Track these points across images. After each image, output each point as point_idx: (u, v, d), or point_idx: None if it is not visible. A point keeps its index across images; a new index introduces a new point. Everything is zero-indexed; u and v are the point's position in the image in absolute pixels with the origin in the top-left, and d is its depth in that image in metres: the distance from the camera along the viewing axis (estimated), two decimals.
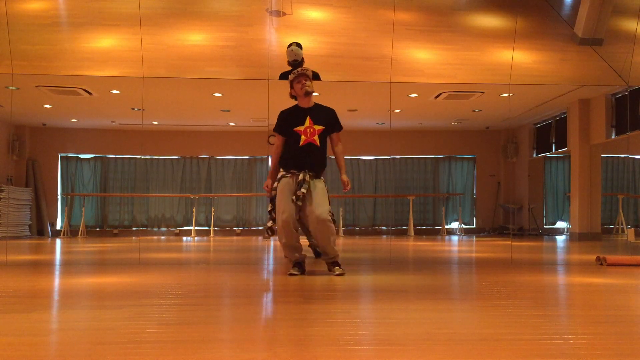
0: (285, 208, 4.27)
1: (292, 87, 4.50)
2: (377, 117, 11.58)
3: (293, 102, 4.61)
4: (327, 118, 4.49)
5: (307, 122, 4.41)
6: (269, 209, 4.54)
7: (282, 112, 4.54)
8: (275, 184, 4.44)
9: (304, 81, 4.42)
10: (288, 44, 5.90)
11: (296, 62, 5.81)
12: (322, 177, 4.47)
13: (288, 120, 4.46)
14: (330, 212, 4.38)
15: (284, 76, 6.02)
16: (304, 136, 4.38)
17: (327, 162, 4.56)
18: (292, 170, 4.37)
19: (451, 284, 4.01)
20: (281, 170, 4.47)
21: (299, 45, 5.83)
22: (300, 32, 8.01)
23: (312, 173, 4.36)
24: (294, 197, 4.25)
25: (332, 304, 3.06)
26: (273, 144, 4.63)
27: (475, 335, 2.23)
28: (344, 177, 4.48)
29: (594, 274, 4.53)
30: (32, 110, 10.56)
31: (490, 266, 5.25)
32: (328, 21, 8.53)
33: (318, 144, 4.40)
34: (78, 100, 9.45)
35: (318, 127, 4.41)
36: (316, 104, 4.53)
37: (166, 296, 3.24)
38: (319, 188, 4.34)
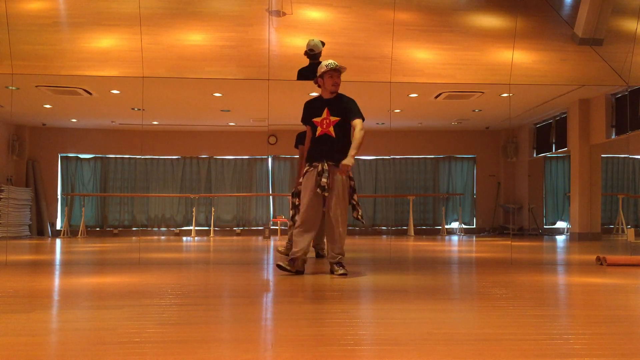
0: (309, 202, 4.33)
1: (322, 77, 4.48)
2: (377, 117, 11.57)
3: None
4: (345, 108, 4.45)
5: (324, 113, 4.45)
6: (296, 202, 4.51)
7: (306, 102, 4.61)
8: (301, 179, 4.48)
9: (337, 79, 4.45)
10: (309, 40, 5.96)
11: (312, 52, 5.83)
12: None
13: (309, 111, 4.53)
14: (355, 201, 4.41)
15: (302, 73, 6.00)
16: (320, 127, 4.43)
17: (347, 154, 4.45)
18: (314, 163, 4.40)
19: (451, 284, 4.01)
20: (307, 165, 4.49)
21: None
22: (300, 32, 8.01)
23: (331, 162, 4.36)
24: (318, 189, 4.27)
25: (332, 304, 3.06)
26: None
27: (475, 335, 2.23)
28: (345, 160, 4.25)
29: (594, 274, 4.52)
30: (32, 110, 10.55)
31: (490, 266, 5.25)
32: (328, 21, 8.53)
33: (333, 135, 4.40)
34: (78, 100, 9.45)
35: (334, 119, 4.43)
36: (338, 95, 4.52)
37: (166, 296, 3.24)
38: (338, 181, 4.35)
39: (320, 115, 4.45)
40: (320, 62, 4.61)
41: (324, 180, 4.26)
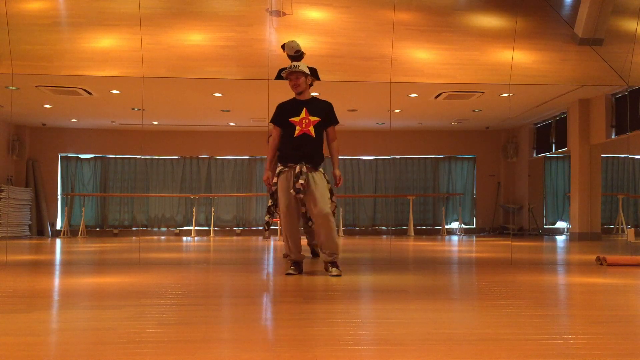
0: (286, 202, 4.31)
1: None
2: (377, 117, 11.58)
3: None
4: (324, 110, 4.51)
5: (303, 113, 4.43)
6: (269, 204, 4.54)
7: (279, 104, 4.59)
8: (275, 179, 4.45)
9: (295, 80, 4.45)
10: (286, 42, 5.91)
11: (297, 54, 5.80)
12: (321, 170, 4.46)
13: (284, 112, 4.50)
14: (333, 202, 4.42)
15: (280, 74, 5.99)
16: (299, 127, 4.40)
17: (323, 155, 4.52)
18: (289, 164, 4.37)
19: (451, 284, 4.01)
20: (279, 165, 4.47)
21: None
22: (300, 32, 8.01)
23: (309, 165, 4.36)
24: (292, 190, 4.26)
25: (332, 304, 3.06)
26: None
27: (475, 335, 2.23)
28: (337, 172, 4.51)
29: (594, 274, 4.52)
30: (32, 110, 10.55)
31: (490, 266, 5.25)
32: (328, 21, 8.53)
33: (313, 134, 4.40)
34: (78, 100, 9.45)
35: (314, 119, 4.43)
36: (313, 98, 4.57)
37: (166, 296, 3.24)
38: (319, 181, 4.34)
39: (298, 115, 4.43)
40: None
41: (300, 182, 4.23)
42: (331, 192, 4.44)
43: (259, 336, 2.25)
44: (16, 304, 3.02)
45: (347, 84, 7.95)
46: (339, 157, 4.70)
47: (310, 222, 4.52)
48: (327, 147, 4.57)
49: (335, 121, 4.56)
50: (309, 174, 4.33)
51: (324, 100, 4.59)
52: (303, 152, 4.37)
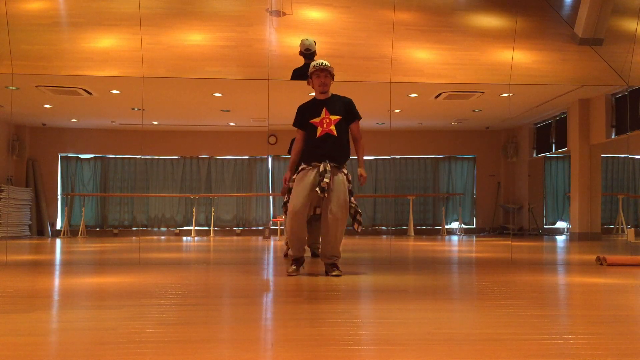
0: (299, 197, 4.25)
1: (310, 78, 4.47)
2: (377, 117, 11.57)
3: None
4: (344, 107, 4.43)
5: (323, 113, 4.37)
6: (285, 199, 4.50)
7: (300, 106, 4.53)
8: (294, 176, 4.40)
9: (324, 78, 4.39)
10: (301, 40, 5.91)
11: (309, 52, 5.75)
12: (344, 170, 4.40)
13: (305, 114, 4.45)
14: (354, 204, 4.38)
15: (297, 73, 5.96)
16: (320, 127, 4.35)
17: (349, 152, 4.45)
18: (313, 163, 4.32)
19: (451, 284, 4.01)
20: (302, 164, 4.42)
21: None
22: (300, 32, 8.01)
23: (332, 164, 4.31)
24: (318, 188, 4.19)
25: (332, 304, 3.06)
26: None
27: (475, 335, 2.23)
28: (361, 171, 4.42)
29: (594, 274, 4.52)
30: (32, 110, 10.55)
31: (490, 266, 5.25)
32: (328, 21, 8.53)
33: (335, 133, 4.34)
34: (78, 100, 9.45)
35: (334, 117, 4.37)
36: (333, 95, 4.49)
37: (166, 296, 3.24)
38: (339, 183, 4.29)
39: (318, 116, 4.38)
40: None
41: (325, 181, 4.18)
42: (351, 192, 4.40)
43: (259, 336, 2.25)
44: (16, 304, 3.02)
45: (347, 84, 7.94)
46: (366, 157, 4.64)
47: (316, 222, 4.48)
48: (353, 146, 4.52)
49: (356, 116, 4.48)
50: (334, 176, 4.28)
51: (343, 97, 4.51)
52: (326, 151, 4.31)
